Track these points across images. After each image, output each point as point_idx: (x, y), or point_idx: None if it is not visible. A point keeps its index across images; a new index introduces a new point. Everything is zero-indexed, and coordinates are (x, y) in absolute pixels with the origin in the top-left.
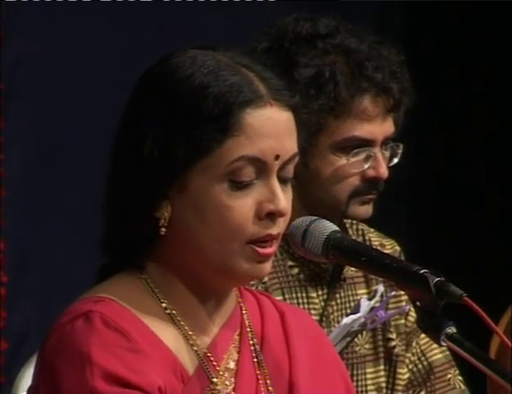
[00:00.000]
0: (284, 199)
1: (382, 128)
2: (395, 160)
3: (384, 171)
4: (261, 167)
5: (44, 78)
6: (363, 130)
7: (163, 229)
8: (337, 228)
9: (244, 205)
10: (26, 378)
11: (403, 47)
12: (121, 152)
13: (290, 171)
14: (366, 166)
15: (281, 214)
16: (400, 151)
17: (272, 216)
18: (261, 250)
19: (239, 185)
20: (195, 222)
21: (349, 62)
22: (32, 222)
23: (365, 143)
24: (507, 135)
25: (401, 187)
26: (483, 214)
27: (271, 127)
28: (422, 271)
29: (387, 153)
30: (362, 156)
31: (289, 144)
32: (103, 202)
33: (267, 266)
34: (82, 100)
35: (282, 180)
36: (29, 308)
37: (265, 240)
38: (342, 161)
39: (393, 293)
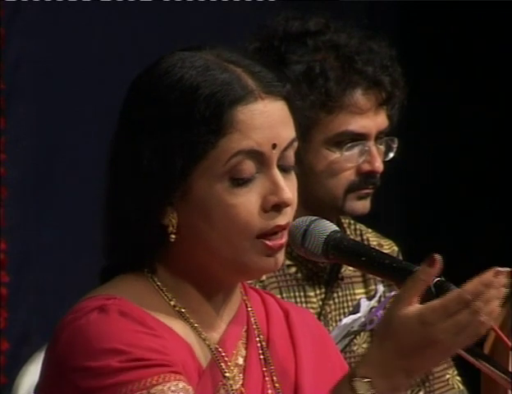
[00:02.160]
0: (287, 188)
1: (375, 122)
2: (391, 155)
3: (379, 165)
4: (260, 159)
5: (45, 78)
6: (356, 124)
7: (173, 236)
8: (337, 228)
9: (248, 201)
10: (27, 377)
11: (396, 46)
12: (120, 165)
13: (290, 159)
14: (360, 160)
15: (286, 205)
16: (395, 145)
17: (278, 207)
18: (271, 243)
19: (240, 182)
20: (202, 225)
21: (339, 57)
22: (33, 223)
23: (359, 137)
24: (507, 133)
25: (400, 187)
26: (483, 213)
27: (264, 119)
28: None
29: (382, 148)
30: (356, 150)
31: (285, 132)
32: (104, 212)
33: (280, 258)
34: (82, 100)
35: (284, 170)
36: (29, 308)
37: (275, 232)
38: (336, 155)
39: (392, 293)
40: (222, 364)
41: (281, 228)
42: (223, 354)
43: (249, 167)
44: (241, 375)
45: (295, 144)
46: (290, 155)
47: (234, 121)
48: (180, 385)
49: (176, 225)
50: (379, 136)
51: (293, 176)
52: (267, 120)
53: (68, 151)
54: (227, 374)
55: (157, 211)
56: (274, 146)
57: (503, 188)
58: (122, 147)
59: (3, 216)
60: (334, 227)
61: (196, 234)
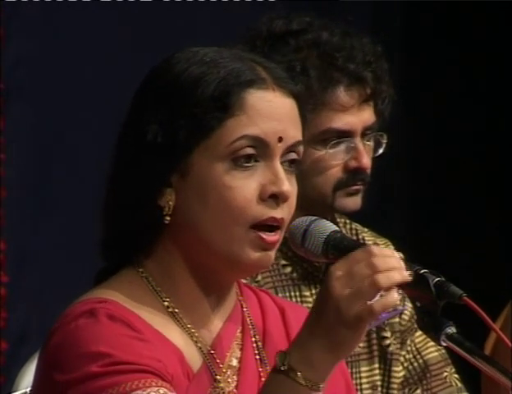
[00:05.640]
0: (287, 182)
1: (360, 118)
2: (380, 151)
3: (366, 162)
4: (264, 148)
5: (44, 78)
6: (340, 121)
7: (167, 217)
8: (337, 228)
9: (246, 186)
10: (27, 376)
11: (401, 45)
12: (125, 143)
13: (293, 160)
14: (347, 157)
15: (284, 197)
16: (384, 141)
17: (276, 198)
18: (266, 237)
19: (241, 166)
20: (199, 208)
21: (320, 55)
22: (32, 222)
23: (344, 134)
24: (508, 133)
25: (399, 186)
26: (483, 213)
27: (273, 110)
28: (422, 271)
29: (371, 144)
30: (342, 147)
31: (292, 131)
32: (105, 197)
33: (272, 255)
34: (82, 100)
35: (286, 169)
36: (28, 308)
37: (269, 226)
38: (321, 153)
39: None
40: (214, 366)
41: (276, 222)
42: (215, 356)
43: (251, 152)
44: (235, 377)
45: (301, 149)
46: (294, 157)
47: (243, 104)
48: (162, 391)
49: (171, 207)
50: (366, 133)
51: (293, 179)
52: (276, 111)
53: (67, 151)
54: (218, 377)
55: (155, 190)
56: (280, 139)
57: (504, 188)
58: (129, 126)
59: (3, 216)
60: (334, 227)
61: (191, 219)
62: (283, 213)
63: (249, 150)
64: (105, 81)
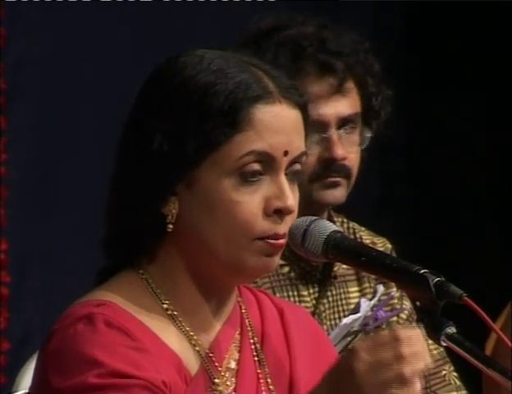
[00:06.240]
0: (292, 196)
1: (334, 109)
2: (364, 145)
3: (340, 153)
4: (270, 163)
5: (46, 78)
6: (311, 111)
7: (170, 226)
8: (337, 228)
9: (252, 201)
10: (27, 377)
11: (402, 45)
12: (129, 147)
13: (297, 171)
14: (319, 149)
15: (288, 211)
16: (368, 135)
17: (280, 213)
18: (273, 242)
19: (248, 181)
20: (203, 219)
21: (293, 47)
22: (34, 223)
23: (317, 125)
24: (508, 133)
25: (399, 186)
26: (483, 213)
27: (280, 123)
28: (422, 271)
29: (352, 136)
30: (314, 139)
31: (297, 142)
32: (108, 198)
33: (276, 260)
34: (84, 100)
35: (289, 180)
36: (31, 308)
37: (274, 238)
38: None
39: (392, 293)
40: (212, 369)
41: (279, 237)
42: (213, 359)
43: (258, 167)
44: (234, 379)
45: (304, 159)
46: (298, 168)
47: (251, 119)
48: None
49: (175, 215)
50: (344, 123)
51: (296, 188)
52: (283, 124)
53: (69, 151)
54: (217, 380)
55: (159, 197)
56: (286, 153)
57: (504, 188)
58: (134, 130)
59: (4, 216)
60: (334, 227)
61: (194, 228)
62: (286, 226)
63: (256, 166)
64: (105, 81)
